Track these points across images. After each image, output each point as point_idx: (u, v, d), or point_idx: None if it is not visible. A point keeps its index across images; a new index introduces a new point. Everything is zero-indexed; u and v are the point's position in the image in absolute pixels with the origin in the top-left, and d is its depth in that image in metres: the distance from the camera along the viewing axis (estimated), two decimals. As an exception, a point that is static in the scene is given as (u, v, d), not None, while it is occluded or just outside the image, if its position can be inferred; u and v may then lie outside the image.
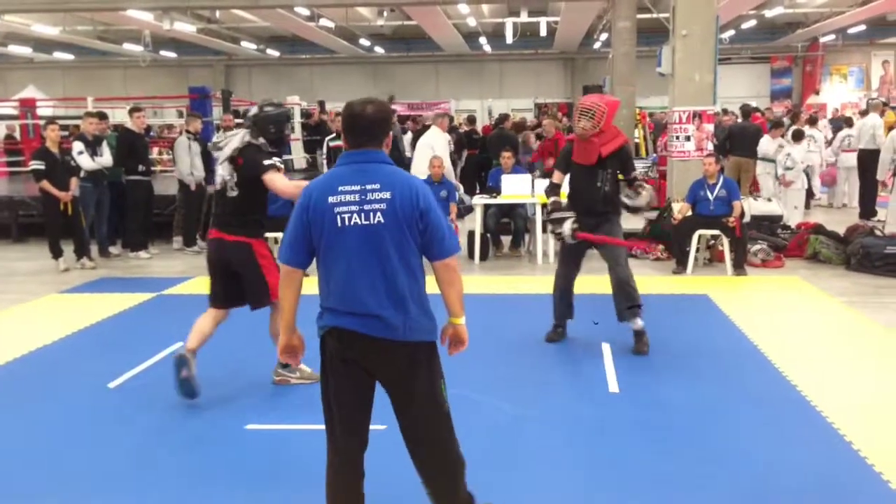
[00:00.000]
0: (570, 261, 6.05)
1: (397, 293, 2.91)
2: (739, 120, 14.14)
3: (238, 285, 4.97)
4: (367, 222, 2.89)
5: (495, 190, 9.94)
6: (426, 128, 14.25)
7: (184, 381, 4.83)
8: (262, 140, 4.95)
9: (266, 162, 4.81)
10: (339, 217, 2.90)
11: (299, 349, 3.19)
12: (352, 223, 2.90)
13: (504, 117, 15.72)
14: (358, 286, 2.91)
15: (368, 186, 2.91)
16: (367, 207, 2.89)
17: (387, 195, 2.90)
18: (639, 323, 5.84)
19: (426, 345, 3.01)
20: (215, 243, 4.99)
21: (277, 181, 4.81)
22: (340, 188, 2.92)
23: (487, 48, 28.17)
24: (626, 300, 5.78)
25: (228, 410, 4.83)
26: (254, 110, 5.18)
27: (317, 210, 2.93)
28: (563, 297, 6.10)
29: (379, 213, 2.89)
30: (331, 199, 2.91)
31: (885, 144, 10.91)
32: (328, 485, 3.07)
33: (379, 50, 28.74)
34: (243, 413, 4.77)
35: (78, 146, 9.76)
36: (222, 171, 4.96)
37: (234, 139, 4.94)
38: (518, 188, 9.81)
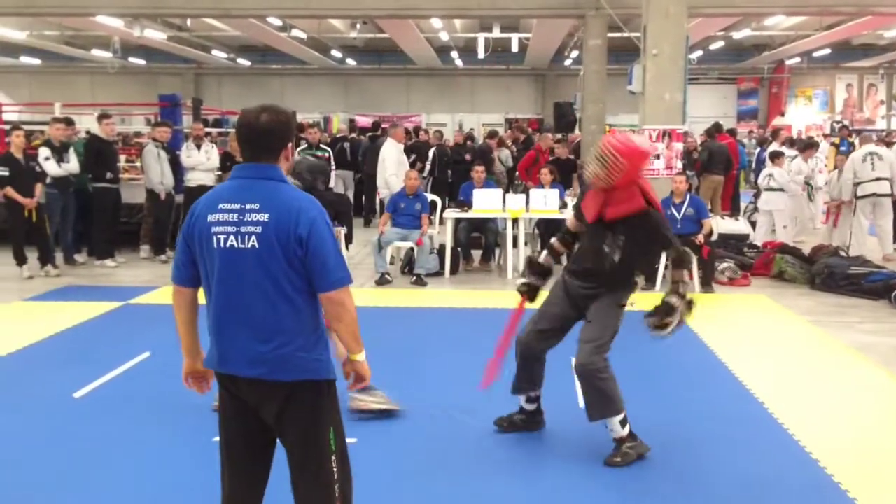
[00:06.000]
0: (539, 321, 4.64)
1: (274, 327, 2.64)
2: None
3: None
4: (243, 246, 2.62)
5: (466, 204, 9.97)
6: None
7: None
8: None
9: None
10: (215, 238, 2.65)
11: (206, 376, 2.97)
12: (227, 245, 2.63)
13: (493, 133, 16.81)
14: (231, 318, 2.67)
15: (248, 206, 2.64)
16: (243, 230, 2.62)
17: (264, 217, 2.62)
18: (615, 429, 4.30)
19: (309, 384, 2.70)
20: None
21: None
22: (221, 206, 2.67)
23: (459, 62, 28.28)
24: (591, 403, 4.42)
25: (198, 422, 4.73)
26: None
27: (195, 228, 2.70)
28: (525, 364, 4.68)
29: (254, 237, 2.62)
30: (210, 218, 2.67)
31: (845, 166, 11.11)
32: None
33: (351, 62, 28.71)
34: (213, 425, 4.70)
35: (44, 152, 9.64)
36: None
37: None
38: (489, 202, 9.85)
